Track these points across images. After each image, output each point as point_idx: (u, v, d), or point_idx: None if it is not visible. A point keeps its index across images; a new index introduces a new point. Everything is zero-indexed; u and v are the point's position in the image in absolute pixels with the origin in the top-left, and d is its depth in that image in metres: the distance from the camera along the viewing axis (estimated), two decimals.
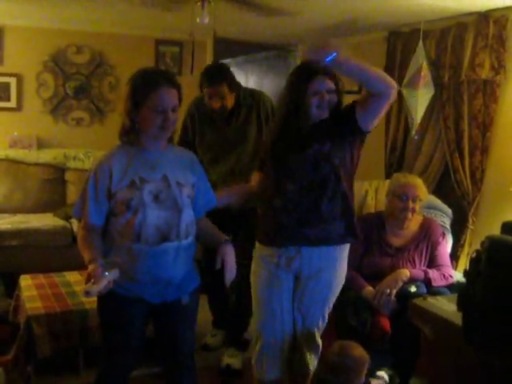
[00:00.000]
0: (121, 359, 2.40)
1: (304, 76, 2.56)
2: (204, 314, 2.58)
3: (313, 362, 2.85)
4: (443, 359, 2.29)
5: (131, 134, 2.31)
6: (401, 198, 3.32)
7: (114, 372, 2.42)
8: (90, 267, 2.13)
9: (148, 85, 2.22)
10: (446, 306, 2.36)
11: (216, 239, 2.42)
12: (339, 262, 2.72)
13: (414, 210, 3.31)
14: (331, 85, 2.56)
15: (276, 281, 2.69)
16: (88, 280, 2.11)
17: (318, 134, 2.59)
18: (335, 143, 2.58)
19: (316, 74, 2.54)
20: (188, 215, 2.32)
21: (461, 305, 2.11)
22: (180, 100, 2.30)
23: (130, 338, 2.37)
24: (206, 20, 3.72)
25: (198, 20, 3.75)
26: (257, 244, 2.78)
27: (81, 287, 3.65)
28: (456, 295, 2.19)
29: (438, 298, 2.64)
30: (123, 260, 2.25)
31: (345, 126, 2.56)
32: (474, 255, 2.17)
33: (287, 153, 2.61)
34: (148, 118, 2.24)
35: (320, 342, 2.83)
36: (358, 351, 2.55)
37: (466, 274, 2.07)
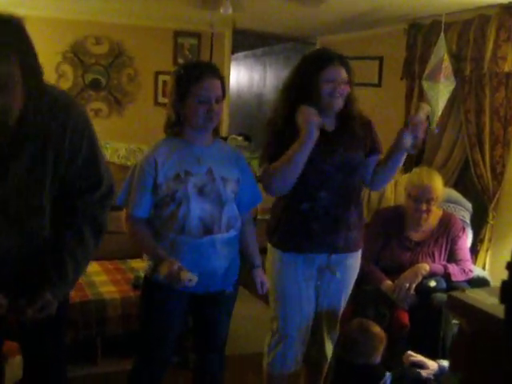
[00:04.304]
0: (158, 352, 2.43)
1: (318, 62, 2.53)
2: (236, 305, 2.64)
3: (330, 351, 2.87)
4: (482, 353, 2.26)
5: (176, 127, 2.34)
6: (415, 200, 3.28)
7: (151, 365, 2.44)
8: (170, 265, 2.21)
9: (191, 76, 2.26)
10: (487, 299, 2.34)
11: (250, 258, 2.53)
12: (359, 252, 2.81)
13: (429, 211, 3.28)
14: (345, 75, 2.53)
15: (303, 277, 2.68)
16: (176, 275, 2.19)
17: (348, 141, 2.60)
18: (363, 155, 2.66)
19: (331, 61, 2.51)
20: (230, 209, 2.35)
21: (504, 297, 2.09)
22: (224, 91, 2.32)
23: (168, 329, 2.41)
24: (230, 10, 3.71)
25: (221, 10, 3.74)
26: (274, 248, 2.72)
27: (100, 278, 3.70)
28: (496, 288, 2.17)
29: (477, 290, 2.62)
30: (167, 252, 2.29)
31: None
32: None
33: (318, 156, 2.55)
34: (192, 108, 2.26)
35: (338, 330, 2.86)
36: (377, 329, 2.59)
37: (508, 266, 2.04)
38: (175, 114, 2.32)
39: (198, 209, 2.27)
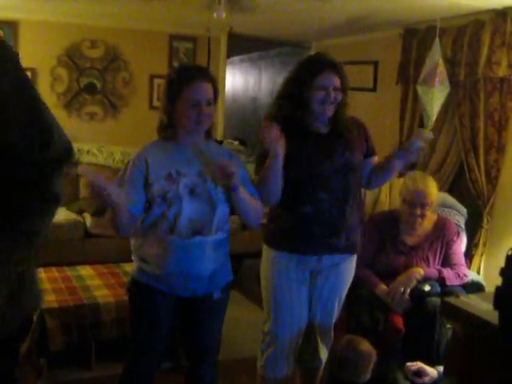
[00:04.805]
0: (146, 354, 2.43)
1: (311, 69, 2.54)
2: (231, 309, 2.61)
3: (325, 355, 2.87)
4: (476, 358, 2.27)
5: (168, 130, 2.34)
6: (409, 205, 3.28)
7: (141, 367, 2.44)
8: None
9: (182, 79, 2.26)
10: (480, 305, 2.35)
11: None
12: (355, 255, 2.80)
13: (423, 216, 3.28)
14: (337, 82, 2.53)
15: (295, 279, 2.67)
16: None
17: (343, 143, 2.61)
18: (360, 157, 2.66)
19: (324, 68, 2.52)
20: (221, 210, 2.33)
21: (498, 303, 2.10)
22: (216, 94, 2.32)
23: (156, 330, 2.40)
24: (223, 14, 3.74)
25: (214, 15, 3.76)
26: (269, 249, 2.72)
27: (94, 281, 3.69)
28: (489, 294, 2.18)
29: (471, 296, 2.63)
30: (155, 251, 2.30)
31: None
32: (510, 253, 2.16)
33: (315, 159, 2.56)
34: (183, 112, 2.26)
35: (333, 335, 2.86)
36: (366, 346, 2.58)
37: (502, 272, 2.05)
38: (167, 116, 2.32)
39: (188, 209, 2.27)
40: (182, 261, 2.28)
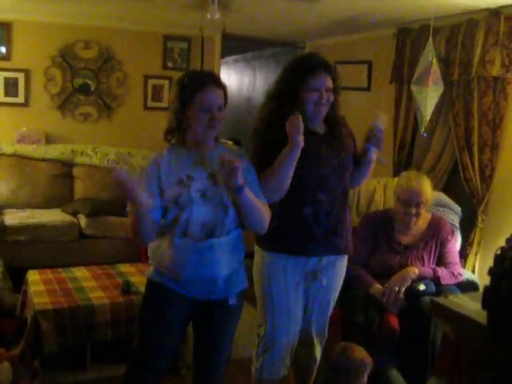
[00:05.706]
0: (154, 356, 2.38)
1: (303, 71, 2.54)
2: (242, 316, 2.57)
3: (319, 353, 2.89)
4: (465, 358, 2.27)
5: (176, 134, 2.36)
6: (404, 204, 3.28)
7: (147, 370, 2.39)
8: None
9: (195, 85, 2.28)
10: (469, 305, 2.35)
11: None
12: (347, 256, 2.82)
13: (418, 215, 3.28)
14: (330, 83, 2.55)
15: (292, 281, 2.67)
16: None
17: (339, 143, 2.63)
18: (351, 156, 2.69)
19: (317, 70, 2.53)
20: (233, 212, 2.33)
21: (486, 303, 2.10)
22: (225, 100, 2.34)
23: (167, 332, 2.37)
24: (217, 15, 3.74)
25: (208, 16, 3.76)
26: (263, 251, 2.71)
27: (88, 283, 3.69)
28: (478, 293, 2.18)
29: (460, 296, 2.63)
30: (170, 255, 2.30)
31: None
32: (498, 252, 2.16)
33: (313, 159, 2.56)
34: (195, 117, 2.28)
35: (327, 333, 2.87)
36: (361, 354, 2.56)
37: (490, 271, 2.05)
38: (176, 121, 2.33)
39: (200, 213, 2.27)
40: (196, 264, 2.29)
